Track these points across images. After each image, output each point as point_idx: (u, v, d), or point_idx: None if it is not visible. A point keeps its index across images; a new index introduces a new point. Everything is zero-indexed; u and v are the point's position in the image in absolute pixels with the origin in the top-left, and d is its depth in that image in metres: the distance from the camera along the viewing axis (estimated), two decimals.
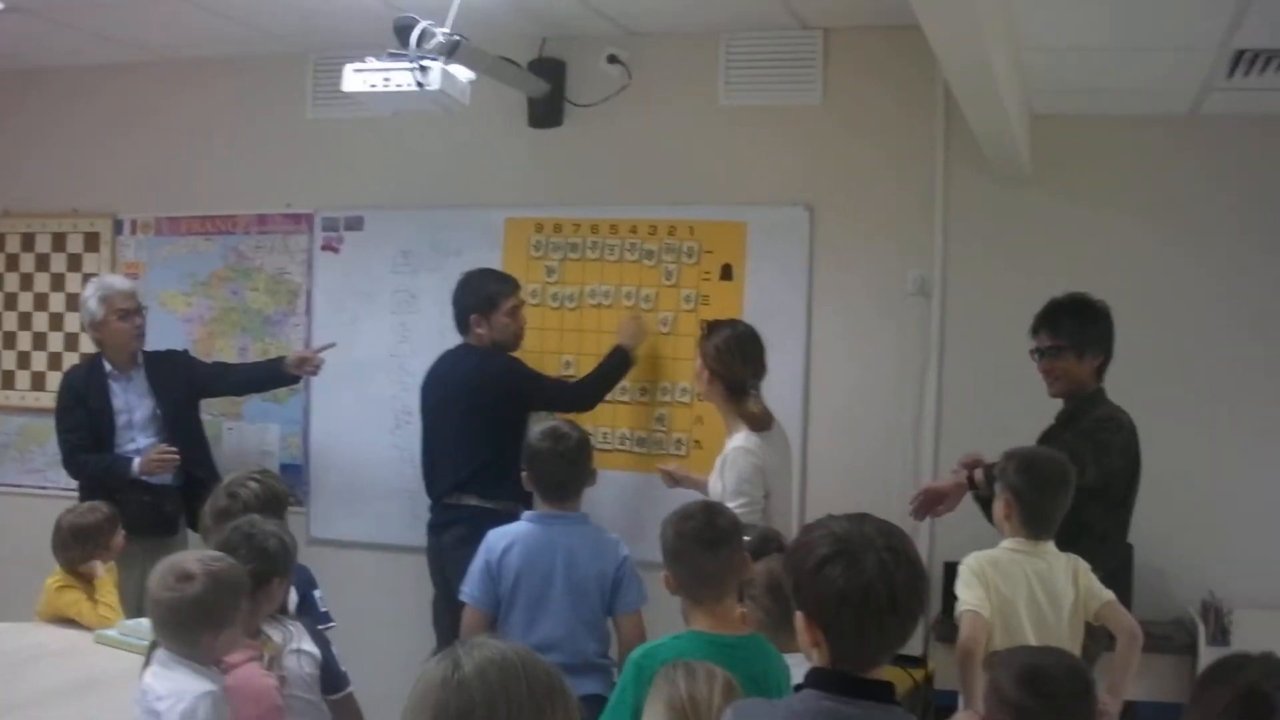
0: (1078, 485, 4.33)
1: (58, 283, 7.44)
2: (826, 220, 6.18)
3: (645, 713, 3.08)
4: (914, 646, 5.62)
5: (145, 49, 6.95)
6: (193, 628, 3.49)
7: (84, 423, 6.21)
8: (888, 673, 2.67)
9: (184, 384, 6.41)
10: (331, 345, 6.41)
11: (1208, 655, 5.39)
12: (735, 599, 3.86)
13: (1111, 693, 4.01)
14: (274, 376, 6.50)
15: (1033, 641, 3.96)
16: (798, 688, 2.65)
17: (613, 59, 6.36)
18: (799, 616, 2.63)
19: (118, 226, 7.32)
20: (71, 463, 6.27)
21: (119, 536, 5.34)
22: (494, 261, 6.48)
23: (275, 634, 3.95)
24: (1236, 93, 5.35)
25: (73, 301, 7.30)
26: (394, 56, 4.89)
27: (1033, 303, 5.20)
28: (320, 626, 4.29)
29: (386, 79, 4.89)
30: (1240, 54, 4.82)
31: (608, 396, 6.20)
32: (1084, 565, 4.26)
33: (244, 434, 7.05)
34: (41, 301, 7.46)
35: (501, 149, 6.62)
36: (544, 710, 2.24)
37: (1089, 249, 5.89)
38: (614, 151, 6.47)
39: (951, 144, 5.99)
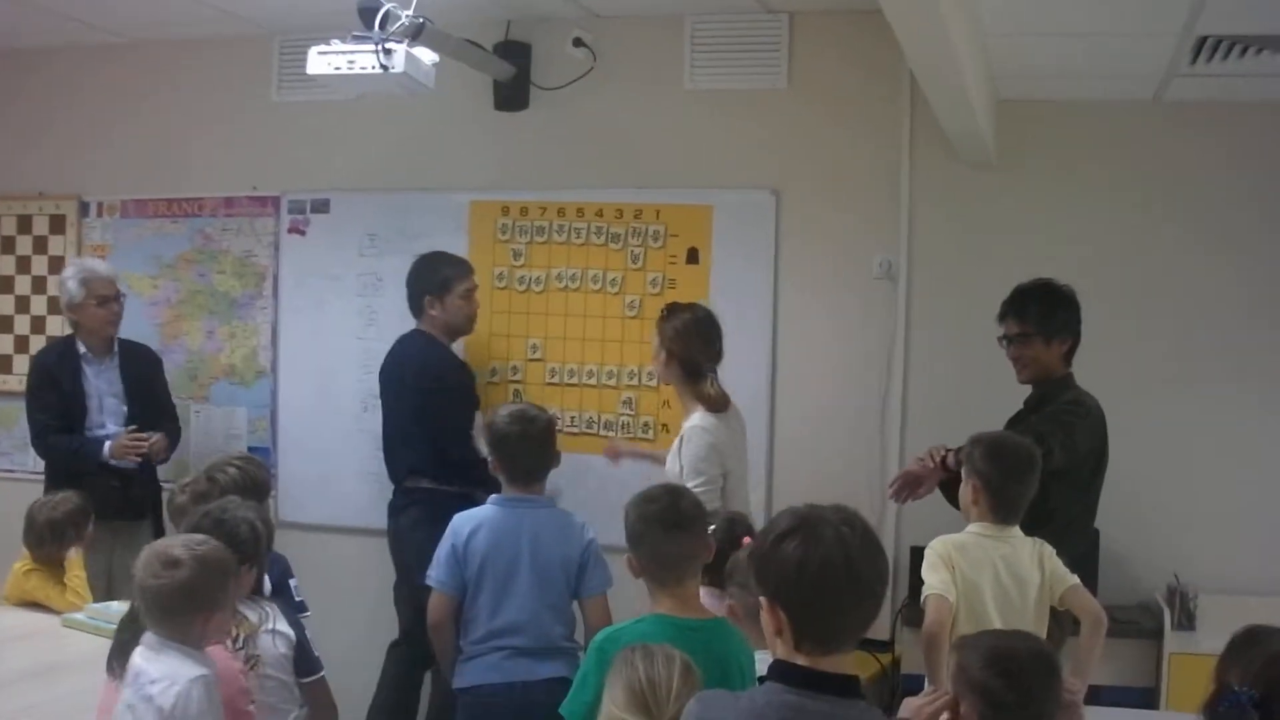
0: (1044, 469, 4.33)
1: (23, 265, 7.40)
2: (792, 204, 6.20)
3: (604, 696, 3.09)
4: (881, 631, 5.64)
5: (111, 31, 6.91)
6: (183, 613, 3.47)
7: (55, 403, 6.20)
8: (855, 657, 2.69)
9: (149, 383, 6.44)
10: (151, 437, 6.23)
11: (1173, 640, 5.45)
12: (698, 582, 3.88)
13: (1076, 676, 4.01)
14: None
15: (998, 625, 3.95)
16: (761, 679, 2.65)
17: (578, 42, 6.35)
18: (762, 603, 2.63)
19: (84, 209, 7.28)
20: (41, 443, 6.26)
21: (92, 526, 5.34)
22: (460, 245, 6.50)
23: (251, 614, 3.95)
24: (1200, 79, 5.38)
25: (39, 284, 7.31)
26: (358, 39, 4.86)
27: (999, 286, 5.22)
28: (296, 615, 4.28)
29: (350, 62, 4.87)
30: (1203, 40, 4.84)
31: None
32: (1049, 550, 4.26)
33: (211, 417, 7.03)
34: (7, 284, 7.42)
35: (467, 132, 6.61)
36: None
37: (1055, 233, 5.92)
38: (580, 135, 6.47)
39: (917, 128, 6.01)
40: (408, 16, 4.87)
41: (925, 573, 4.17)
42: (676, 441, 5.28)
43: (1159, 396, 5.82)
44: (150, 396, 6.40)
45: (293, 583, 4.75)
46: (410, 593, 6.04)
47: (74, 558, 5.23)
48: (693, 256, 6.27)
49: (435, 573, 4.71)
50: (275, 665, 3.93)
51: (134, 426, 6.15)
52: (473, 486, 5.64)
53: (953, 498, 4.59)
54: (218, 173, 7.02)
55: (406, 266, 6.20)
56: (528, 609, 4.59)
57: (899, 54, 4.45)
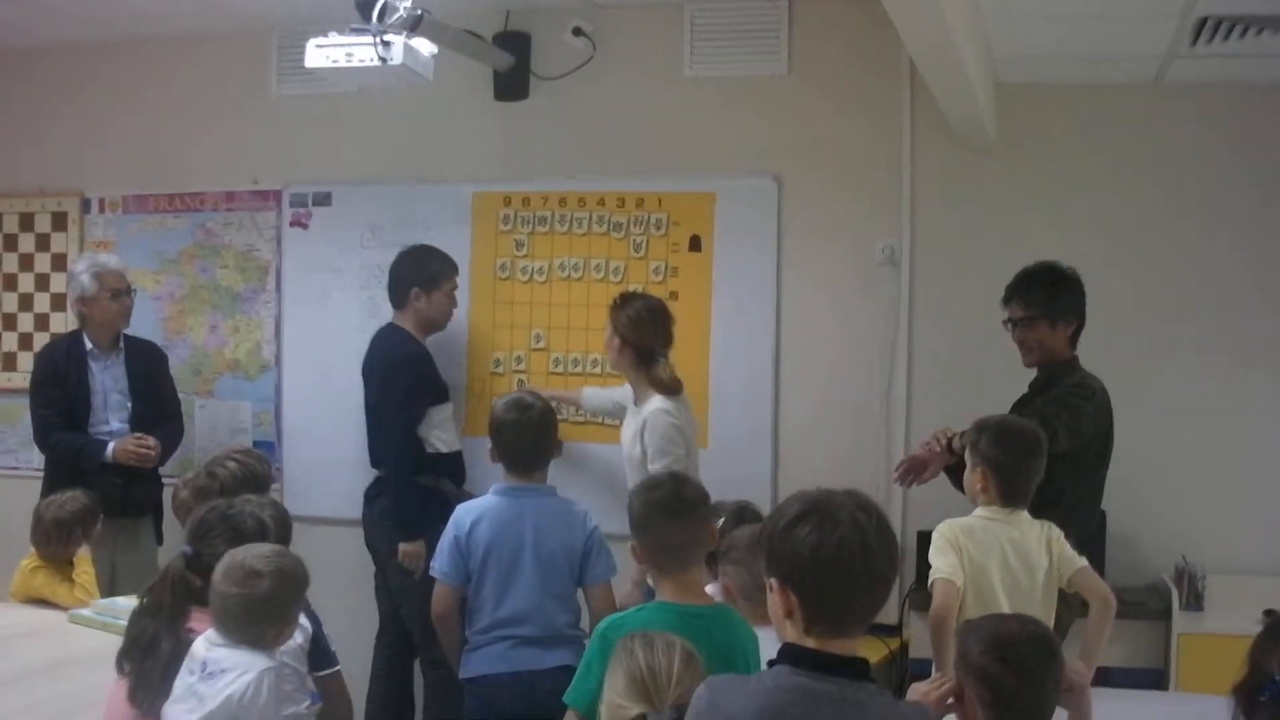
0: (1050, 452, 4.32)
1: (26, 263, 7.39)
2: (794, 190, 6.19)
3: (605, 684, 3.10)
4: (889, 615, 5.65)
5: (110, 28, 6.90)
6: (260, 623, 3.53)
7: (59, 399, 6.21)
8: (863, 642, 2.68)
9: (155, 379, 6.46)
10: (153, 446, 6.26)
11: (1181, 620, 5.44)
12: (702, 569, 3.88)
13: (1084, 660, 4.00)
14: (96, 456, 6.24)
15: (1006, 609, 3.95)
16: (771, 663, 2.65)
17: (577, 31, 6.33)
18: (771, 585, 2.63)
19: (85, 205, 7.27)
20: (44, 440, 6.26)
21: (99, 524, 5.36)
22: (463, 236, 6.53)
23: None
24: (1200, 60, 5.36)
25: (42, 281, 7.30)
26: (356, 31, 4.87)
27: (1002, 270, 5.22)
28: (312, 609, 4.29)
29: (349, 54, 4.88)
30: (1203, 21, 4.83)
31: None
32: (1057, 532, 4.25)
33: (216, 412, 7.03)
34: (10, 282, 7.41)
35: (468, 123, 6.60)
36: None
37: (1058, 216, 5.91)
38: (580, 124, 6.46)
39: (918, 113, 6.00)
40: (405, 8, 4.87)
41: (932, 556, 4.17)
42: (637, 425, 5.36)
43: (1165, 378, 5.82)
44: (155, 393, 6.41)
45: None
46: (383, 581, 6.11)
47: (82, 554, 5.24)
48: (695, 244, 6.26)
49: (438, 564, 4.73)
50: (290, 655, 3.93)
51: (140, 435, 6.17)
52: (398, 474, 5.89)
53: (959, 482, 4.59)
54: (219, 167, 7.01)
55: None
56: (532, 598, 4.60)
57: (899, 38, 4.43)
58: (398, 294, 6.11)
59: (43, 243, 7.35)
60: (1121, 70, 5.72)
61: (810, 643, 2.58)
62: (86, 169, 7.26)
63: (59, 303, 7.17)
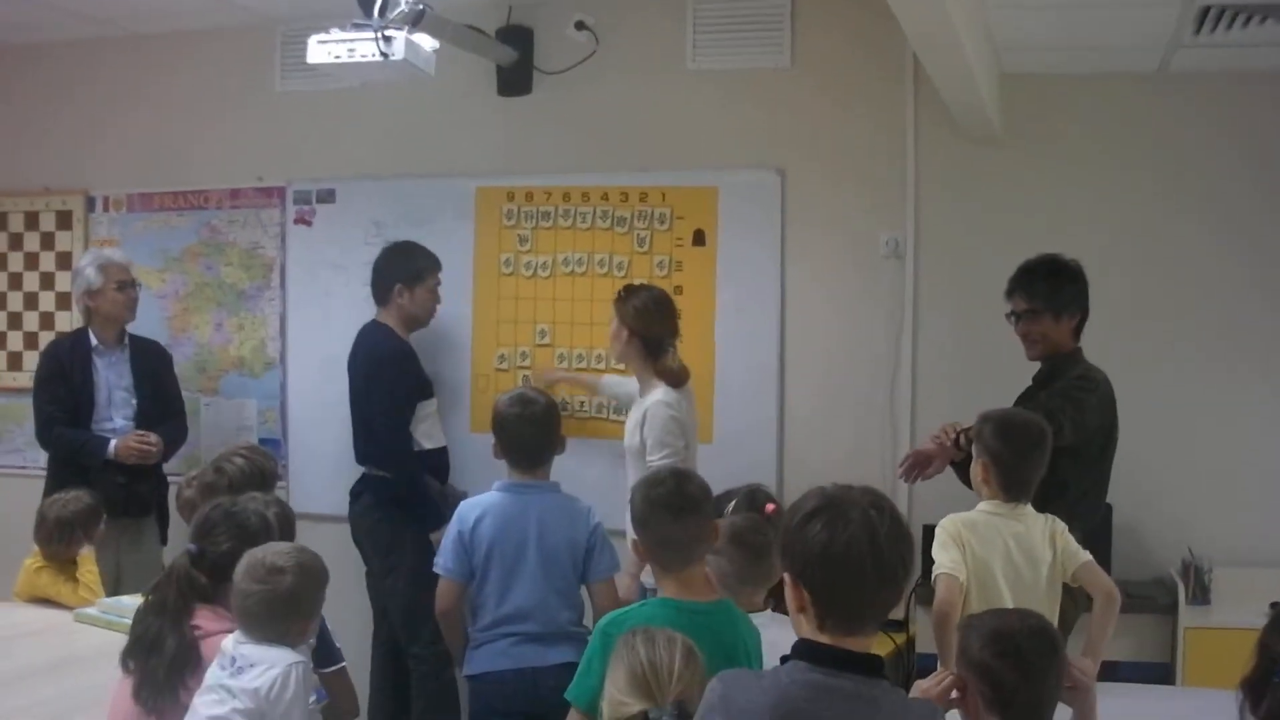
0: (1054, 445, 4.29)
1: (31, 261, 7.41)
2: (798, 183, 6.17)
3: (607, 680, 3.09)
4: (895, 610, 5.61)
5: (114, 24, 6.92)
6: (285, 618, 3.55)
7: (63, 395, 6.23)
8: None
9: (159, 378, 6.48)
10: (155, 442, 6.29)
11: (1188, 614, 5.42)
12: (704, 565, 3.87)
13: (1089, 655, 3.97)
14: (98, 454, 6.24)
15: (1010, 603, 3.94)
16: (784, 659, 2.65)
17: (580, 25, 6.33)
18: (785, 578, 2.64)
19: (90, 204, 7.29)
20: (46, 435, 6.29)
21: (103, 524, 5.36)
22: (467, 231, 6.56)
23: None
24: (1204, 49, 5.36)
25: (47, 280, 7.32)
26: (358, 27, 4.86)
27: (1006, 262, 5.19)
28: None
29: (351, 50, 4.88)
30: (1206, 10, 4.81)
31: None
32: (1061, 526, 4.22)
33: (221, 410, 7.04)
34: (15, 281, 7.43)
35: (471, 118, 6.60)
36: None
37: (1061, 208, 5.89)
38: (584, 118, 6.45)
39: (922, 104, 5.98)
40: (407, 3, 4.88)
41: (935, 551, 4.14)
42: (638, 416, 5.36)
43: (1170, 370, 5.80)
44: (159, 391, 6.43)
45: None
46: (371, 580, 6.13)
47: (86, 554, 5.24)
48: (699, 238, 6.25)
49: (442, 560, 4.72)
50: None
51: (141, 432, 6.19)
52: (403, 476, 5.91)
53: (965, 477, 4.57)
54: (223, 165, 7.02)
55: None
56: (535, 594, 4.60)
57: (902, 30, 4.42)
58: (381, 291, 6.12)
59: (48, 241, 7.37)
60: (1125, 60, 5.70)
61: (824, 638, 2.59)
62: (91, 167, 7.27)
63: (64, 301, 7.17)
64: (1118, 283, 5.57)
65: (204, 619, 3.75)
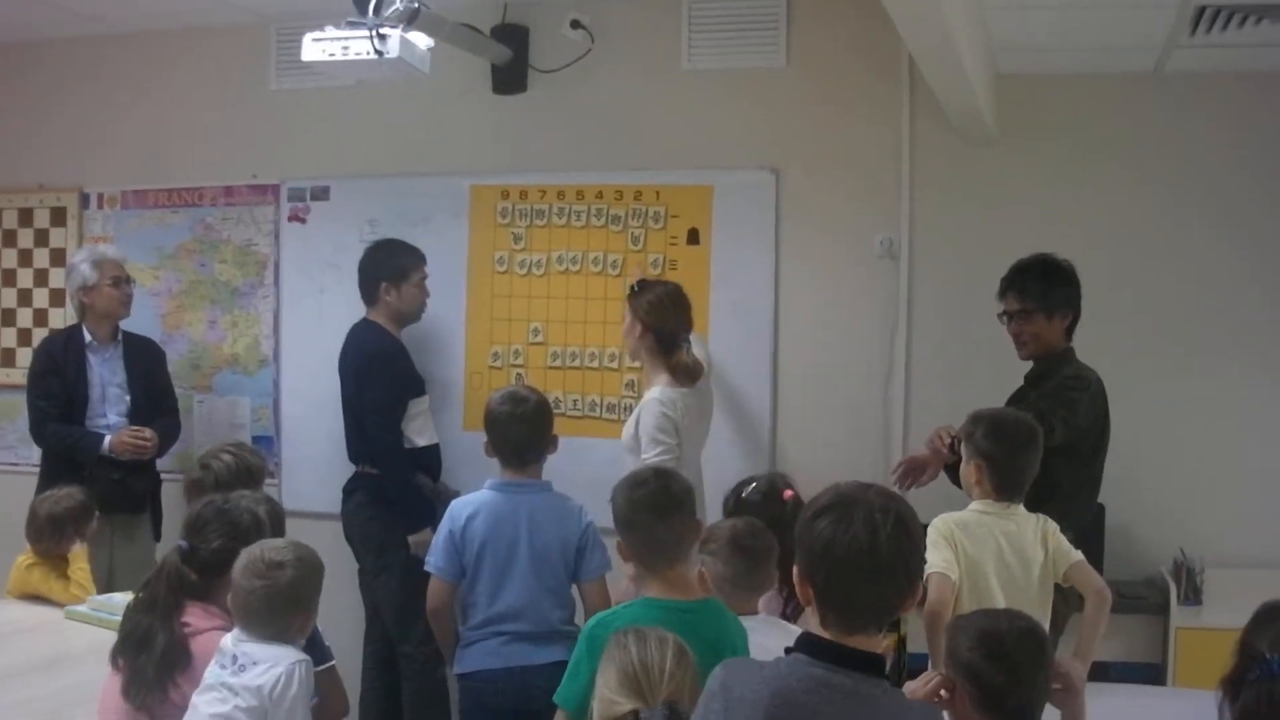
0: (1046, 445, 4.30)
1: (25, 258, 7.40)
2: (793, 183, 6.17)
3: (598, 679, 3.08)
4: None
5: (107, 22, 6.91)
6: (285, 614, 3.57)
7: (57, 391, 6.23)
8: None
9: (152, 375, 6.49)
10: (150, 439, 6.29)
11: (1179, 615, 5.43)
12: (689, 565, 3.86)
13: (1080, 655, 3.97)
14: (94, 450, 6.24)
15: (1002, 603, 3.94)
16: (787, 650, 2.67)
17: (575, 24, 6.30)
18: (795, 572, 2.67)
19: (84, 200, 7.28)
20: (40, 431, 6.28)
21: (94, 522, 5.35)
22: (461, 229, 6.56)
23: None
24: (1200, 50, 5.36)
25: (41, 277, 7.31)
26: (353, 25, 4.86)
27: (1001, 263, 5.20)
28: None
29: (345, 48, 4.87)
30: (1201, 10, 4.81)
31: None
32: (1053, 526, 4.22)
33: (214, 407, 7.03)
34: (9, 277, 7.42)
35: (466, 116, 6.60)
36: None
37: (1057, 208, 5.89)
38: (579, 117, 6.45)
39: (917, 104, 5.98)
40: (402, 1, 4.86)
41: (927, 551, 4.14)
42: (636, 411, 5.34)
43: (1164, 370, 5.80)
44: (153, 388, 6.43)
45: None
46: (364, 578, 6.17)
47: (77, 551, 5.23)
48: (693, 237, 6.25)
49: (433, 559, 4.72)
50: None
51: (136, 428, 6.19)
52: (393, 474, 5.94)
53: (956, 478, 4.57)
54: (217, 162, 7.01)
55: None
56: (526, 594, 4.60)
57: (897, 30, 4.42)
58: (368, 290, 6.13)
59: (41, 238, 7.36)
60: (1121, 60, 5.70)
61: (827, 634, 2.61)
62: (85, 164, 7.26)
63: (58, 298, 7.17)
64: (1112, 283, 5.58)
65: (194, 616, 3.77)
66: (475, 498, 4.75)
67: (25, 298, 7.38)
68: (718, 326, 6.17)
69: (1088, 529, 4.94)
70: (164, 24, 6.92)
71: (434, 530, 5.31)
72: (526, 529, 4.64)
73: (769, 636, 3.72)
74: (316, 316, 6.76)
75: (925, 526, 4.16)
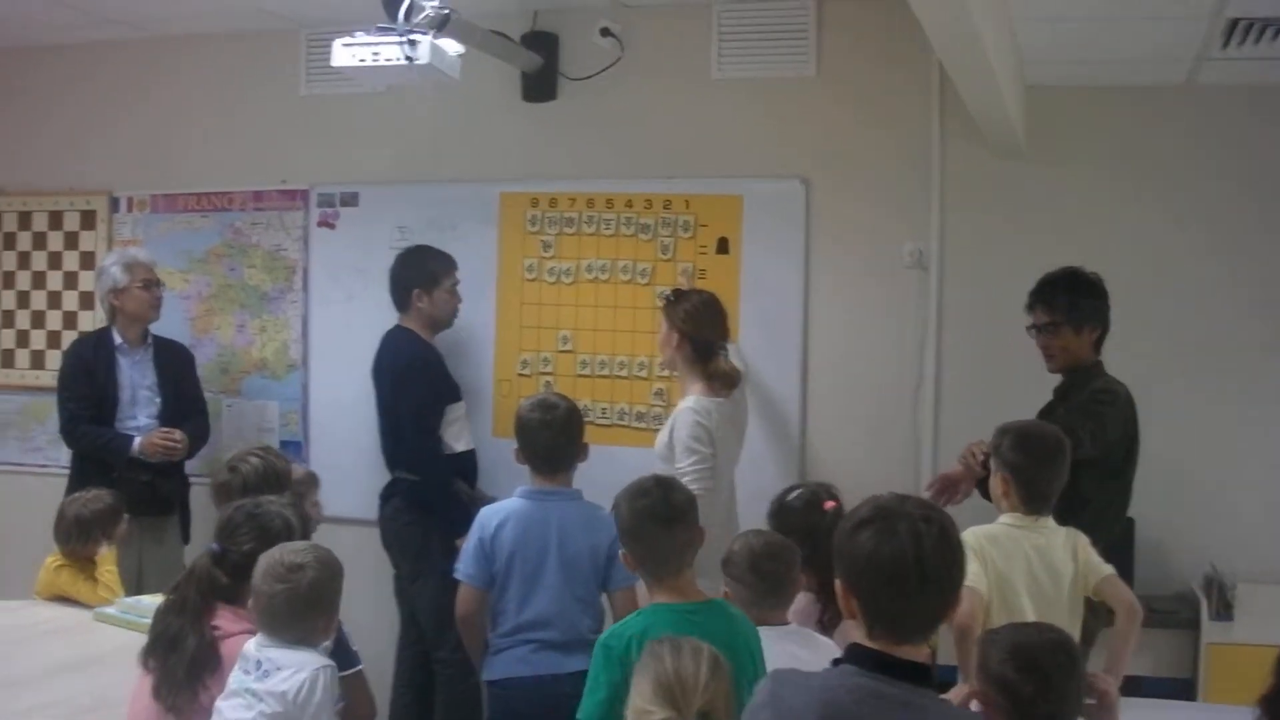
0: (1075, 458, 4.28)
1: (55, 261, 7.43)
2: (822, 193, 6.16)
3: (632, 690, 3.07)
4: None
5: (139, 26, 6.94)
6: (309, 615, 3.57)
7: (88, 393, 6.25)
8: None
9: (182, 378, 6.52)
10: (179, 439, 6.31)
11: (1210, 630, 5.40)
12: (693, 570, 3.86)
13: (1110, 670, 3.96)
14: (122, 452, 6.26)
15: (1031, 617, 3.92)
16: (836, 662, 2.69)
17: (605, 32, 6.32)
18: (837, 585, 2.67)
19: (114, 204, 7.31)
20: (71, 432, 6.31)
21: (123, 524, 5.36)
22: (490, 236, 6.57)
23: None
24: (1232, 62, 5.32)
25: (71, 280, 7.34)
26: (383, 31, 4.87)
27: (1030, 275, 5.17)
28: None
29: (375, 54, 4.89)
30: (1234, 23, 4.79)
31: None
32: (1084, 540, 4.20)
33: (243, 411, 7.05)
34: (39, 280, 7.46)
35: (496, 123, 6.61)
36: None
37: (1086, 220, 5.86)
38: (608, 125, 6.46)
39: (947, 115, 5.96)
40: (432, 8, 4.89)
41: None
42: (670, 420, 5.35)
43: (1196, 383, 5.77)
44: (182, 391, 6.46)
45: None
46: (400, 585, 6.17)
47: (106, 553, 5.25)
48: (723, 246, 6.24)
49: (463, 566, 4.72)
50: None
51: (166, 429, 6.21)
52: (432, 480, 5.93)
53: (985, 491, 4.55)
54: (247, 167, 7.03)
55: None
56: (556, 602, 4.59)
57: (928, 40, 4.41)
58: (400, 297, 6.14)
59: (71, 241, 7.39)
60: (1152, 72, 5.68)
61: (874, 645, 2.62)
62: (115, 168, 7.29)
63: (87, 301, 7.21)
64: (1143, 296, 5.55)
65: (224, 619, 3.77)
66: (505, 505, 4.75)
67: (55, 300, 7.42)
68: (747, 336, 6.15)
69: (1118, 543, 4.91)
70: (195, 29, 6.95)
71: (447, 542, 5.34)
72: (556, 537, 4.63)
73: (801, 647, 3.75)
74: (345, 322, 6.77)
75: None
